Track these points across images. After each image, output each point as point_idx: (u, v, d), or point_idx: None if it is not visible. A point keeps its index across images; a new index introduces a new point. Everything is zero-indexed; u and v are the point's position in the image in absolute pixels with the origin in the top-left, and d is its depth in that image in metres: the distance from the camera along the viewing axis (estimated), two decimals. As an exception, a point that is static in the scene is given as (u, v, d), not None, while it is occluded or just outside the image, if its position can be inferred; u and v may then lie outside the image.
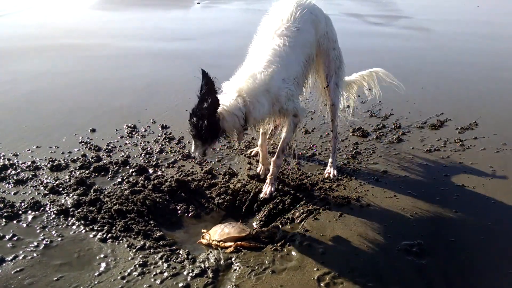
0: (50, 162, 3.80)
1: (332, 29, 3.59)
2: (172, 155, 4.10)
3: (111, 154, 4.08)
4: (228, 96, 2.91)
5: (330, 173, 3.73)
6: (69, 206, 3.14)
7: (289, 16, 3.20)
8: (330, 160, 3.83)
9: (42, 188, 3.41)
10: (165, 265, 2.58)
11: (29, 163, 3.78)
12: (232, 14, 14.28)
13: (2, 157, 3.88)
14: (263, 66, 3.01)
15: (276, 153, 3.39)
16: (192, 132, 2.93)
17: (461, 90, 6.34)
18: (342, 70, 3.72)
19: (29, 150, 4.08)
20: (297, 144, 4.34)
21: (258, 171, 3.74)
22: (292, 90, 3.13)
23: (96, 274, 2.50)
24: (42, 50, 8.17)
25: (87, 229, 2.91)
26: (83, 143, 4.26)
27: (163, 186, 3.44)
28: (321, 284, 2.44)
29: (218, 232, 2.83)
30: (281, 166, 3.48)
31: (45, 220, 3.00)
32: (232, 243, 2.74)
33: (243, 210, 3.30)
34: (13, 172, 3.64)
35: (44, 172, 3.67)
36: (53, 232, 2.87)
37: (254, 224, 3.12)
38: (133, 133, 4.57)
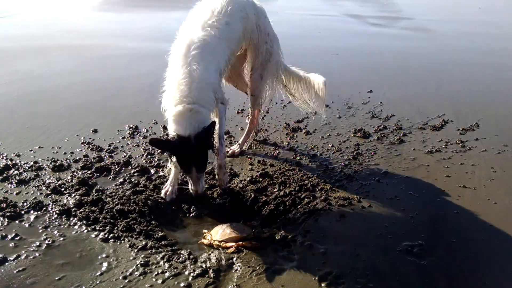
0: (52, 163, 3.82)
1: (265, 22, 3.67)
2: (173, 155, 4.11)
3: (113, 154, 4.09)
4: (199, 113, 2.93)
5: (234, 150, 4.09)
6: (71, 206, 3.15)
7: (220, 9, 3.28)
8: (241, 139, 4.15)
9: (44, 188, 3.42)
10: (166, 265, 2.58)
11: (31, 163, 3.80)
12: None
13: (5, 157, 3.90)
14: (197, 60, 3.03)
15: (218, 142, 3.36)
16: (194, 166, 2.98)
17: (462, 91, 6.33)
18: (271, 64, 3.79)
19: (31, 150, 4.10)
20: (298, 145, 4.36)
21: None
22: (220, 79, 3.31)
23: (98, 273, 2.51)
24: (45, 51, 8.19)
25: (89, 229, 2.92)
26: (85, 144, 4.28)
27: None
28: (322, 285, 2.44)
29: (220, 233, 2.84)
30: (224, 152, 3.47)
31: (47, 220, 3.01)
32: (233, 243, 2.75)
33: (244, 210, 3.30)
34: (16, 172, 3.65)
35: (46, 172, 3.69)
36: (55, 232, 2.88)
37: (256, 224, 3.13)
38: (135, 133, 4.58)
